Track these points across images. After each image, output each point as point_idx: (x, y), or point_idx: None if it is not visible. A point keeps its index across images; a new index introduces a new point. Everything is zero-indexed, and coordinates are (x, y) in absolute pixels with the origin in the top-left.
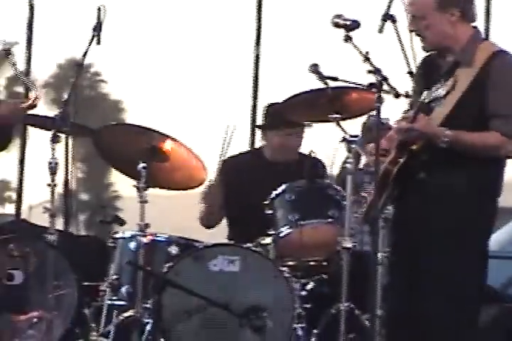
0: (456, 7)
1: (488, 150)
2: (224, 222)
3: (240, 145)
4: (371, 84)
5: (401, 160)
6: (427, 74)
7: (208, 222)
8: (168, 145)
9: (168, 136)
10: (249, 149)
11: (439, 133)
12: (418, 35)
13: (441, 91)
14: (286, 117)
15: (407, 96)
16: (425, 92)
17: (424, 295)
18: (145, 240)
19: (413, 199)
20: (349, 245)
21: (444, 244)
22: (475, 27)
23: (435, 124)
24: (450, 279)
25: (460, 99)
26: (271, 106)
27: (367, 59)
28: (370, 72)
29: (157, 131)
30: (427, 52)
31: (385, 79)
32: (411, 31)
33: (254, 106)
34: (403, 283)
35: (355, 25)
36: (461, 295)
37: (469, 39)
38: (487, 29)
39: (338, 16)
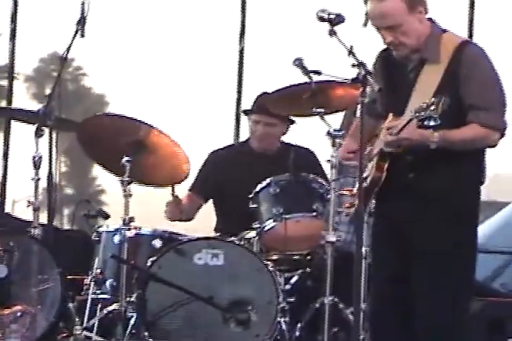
0: (421, 4)
1: (475, 144)
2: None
3: (225, 138)
4: (355, 79)
5: (385, 164)
6: (384, 69)
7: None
8: (153, 138)
9: (152, 127)
10: (235, 142)
11: (427, 136)
12: (392, 45)
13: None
14: (269, 110)
15: None
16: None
17: (417, 294)
18: (129, 234)
19: (404, 197)
20: (333, 239)
21: (440, 237)
22: (429, 18)
23: (420, 129)
24: (445, 273)
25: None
26: (262, 94)
27: (351, 53)
28: (354, 66)
29: (142, 122)
30: (404, 57)
31: (370, 73)
32: (388, 44)
33: (239, 100)
34: (391, 274)
35: (339, 19)
36: (456, 290)
37: (430, 33)
38: (471, 22)
39: (323, 10)
